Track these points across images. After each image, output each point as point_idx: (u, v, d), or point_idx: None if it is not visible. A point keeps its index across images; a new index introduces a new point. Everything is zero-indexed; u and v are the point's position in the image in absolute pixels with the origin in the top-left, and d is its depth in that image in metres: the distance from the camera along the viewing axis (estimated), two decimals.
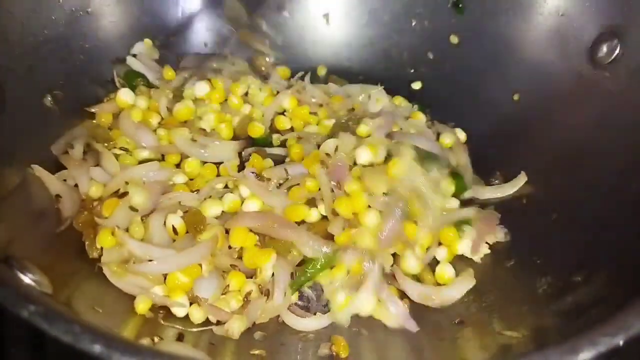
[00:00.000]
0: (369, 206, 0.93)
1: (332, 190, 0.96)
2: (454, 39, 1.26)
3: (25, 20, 0.97)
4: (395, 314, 0.87)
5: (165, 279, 0.86)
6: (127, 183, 0.94)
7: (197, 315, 0.85)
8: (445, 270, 0.95)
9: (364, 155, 1.00)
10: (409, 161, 0.97)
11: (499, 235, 1.00)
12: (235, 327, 0.82)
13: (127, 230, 0.89)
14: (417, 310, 0.90)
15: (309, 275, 0.88)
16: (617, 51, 0.97)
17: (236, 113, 1.17)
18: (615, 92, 0.97)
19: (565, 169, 1.01)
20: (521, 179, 1.07)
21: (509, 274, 0.94)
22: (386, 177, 0.95)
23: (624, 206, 0.87)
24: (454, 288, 0.93)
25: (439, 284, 0.94)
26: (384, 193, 0.94)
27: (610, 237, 0.85)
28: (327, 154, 1.02)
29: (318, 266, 0.88)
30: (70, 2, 1.07)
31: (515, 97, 1.15)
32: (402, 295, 0.92)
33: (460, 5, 1.23)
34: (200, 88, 1.17)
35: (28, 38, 0.98)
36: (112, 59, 1.16)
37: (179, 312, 0.86)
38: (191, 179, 1.04)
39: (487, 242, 0.98)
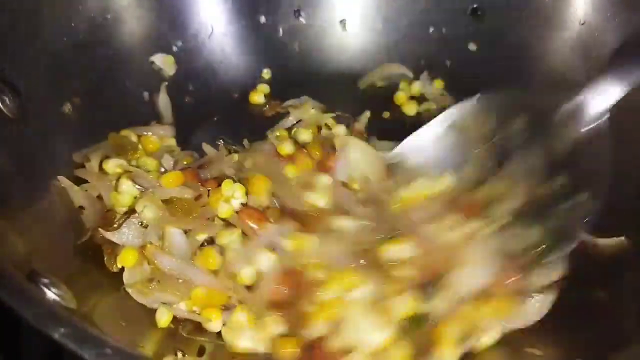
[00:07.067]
0: None
1: None
2: (473, 47, 1.25)
3: (45, 27, 0.97)
4: None
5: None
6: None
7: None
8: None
9: None
10: None
11: None
12: None
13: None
14: None
15: None
16: None
17: None
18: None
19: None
20: None
21: None
22: None
23: None
24: None
25: None
26: None
27: None
28: None
29: None
30: (89, 9, 1.06)
31: None
32: None
33: (479, 13, 1.22)
34: None
35: (47, 45, 0.98)
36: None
37: (213, 327, 0.83)
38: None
39: None
